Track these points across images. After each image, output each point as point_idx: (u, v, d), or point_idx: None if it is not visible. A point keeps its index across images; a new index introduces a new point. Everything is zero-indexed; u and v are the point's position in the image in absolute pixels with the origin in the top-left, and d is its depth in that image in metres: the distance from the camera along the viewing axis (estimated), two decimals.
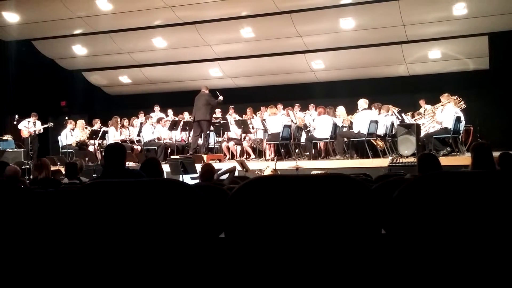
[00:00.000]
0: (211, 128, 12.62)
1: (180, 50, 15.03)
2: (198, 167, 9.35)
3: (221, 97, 11.94)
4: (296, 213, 1.75)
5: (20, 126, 13.34)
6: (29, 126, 13.07)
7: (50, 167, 6.35)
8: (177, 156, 11.12)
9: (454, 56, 13.99)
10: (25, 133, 13.27)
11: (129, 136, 13.34)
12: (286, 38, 14.02)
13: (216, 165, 7.97)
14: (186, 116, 13.44)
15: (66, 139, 12.96)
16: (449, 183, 1.74)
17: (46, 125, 13.65)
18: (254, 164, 10.69)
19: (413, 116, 12.72)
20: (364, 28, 13.33)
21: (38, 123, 13.46)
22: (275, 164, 9.68)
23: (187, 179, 8.90)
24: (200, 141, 11.93)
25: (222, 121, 12.71)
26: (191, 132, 12.29)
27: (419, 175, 3.90)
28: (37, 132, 13.31)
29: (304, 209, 1.74)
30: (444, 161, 8.21)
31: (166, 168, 9.35)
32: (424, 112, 12.60)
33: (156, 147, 12.66)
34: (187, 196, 1.84)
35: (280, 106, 12.74)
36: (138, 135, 13.20)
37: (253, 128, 12.44)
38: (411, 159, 9.55)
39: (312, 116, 12.42)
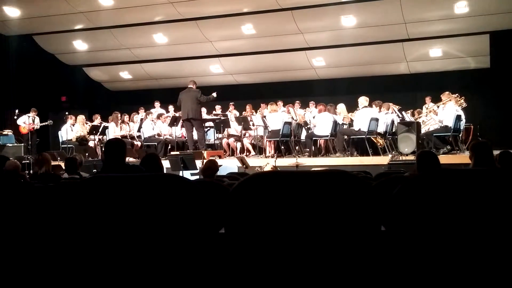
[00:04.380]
0: (212, 124, 12.61)
1: (181, 46, 15.01)
2: (198, 163, 9.37)
3: (214, 94, 11.74)
4: (296, 209, 1.75)
5: (19, 122, 13.27)
6: (28, 122, 13.01)
7: (51, 162, 6.35)
8: (177, 152, 11.10)
9: (455, 54, 13.97)
10: (23, 129, 13.21)
11: (129, 131, 13.34)
12: (287, 35, 14.01)
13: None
14: None
15: (66, 134, 12.95)
16: (449, 181, 1.74)
17: (46, 123, 13.55)
18: (254, 161, 10.68)
19: (413, 114, 12.72)
20: (365, 26, 13.32)
21: (37, 119, 13.39)
22: (275, 161, 9.67)
23: (187, 175, 8.89)
24: (195, 137, 11.86)
25: (222, 118, 12.70)
26: (186, 130, 12.14)
27: (418, 172, 3.91)
28: (35, 128, 13.24)
29: (304, 205, 1.74)
30: (444, 159, 8.23)
31: (166, 164, 9.34)
32: (426, 109, 12.58)
33: (156, 143, 12.66)
34: (187, 191, 1.84)
35: (280, 103, 12.69)
36: (139, 130, 13.20)
37: (253, 125, 12.42)
38: (411, 157, 9.55)
39: (312, 113, 12.41)
